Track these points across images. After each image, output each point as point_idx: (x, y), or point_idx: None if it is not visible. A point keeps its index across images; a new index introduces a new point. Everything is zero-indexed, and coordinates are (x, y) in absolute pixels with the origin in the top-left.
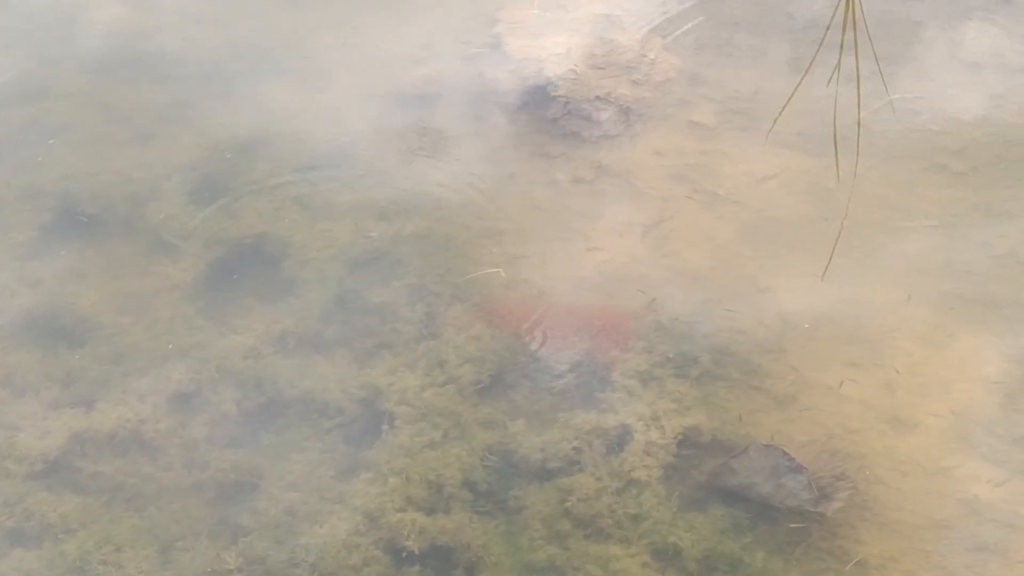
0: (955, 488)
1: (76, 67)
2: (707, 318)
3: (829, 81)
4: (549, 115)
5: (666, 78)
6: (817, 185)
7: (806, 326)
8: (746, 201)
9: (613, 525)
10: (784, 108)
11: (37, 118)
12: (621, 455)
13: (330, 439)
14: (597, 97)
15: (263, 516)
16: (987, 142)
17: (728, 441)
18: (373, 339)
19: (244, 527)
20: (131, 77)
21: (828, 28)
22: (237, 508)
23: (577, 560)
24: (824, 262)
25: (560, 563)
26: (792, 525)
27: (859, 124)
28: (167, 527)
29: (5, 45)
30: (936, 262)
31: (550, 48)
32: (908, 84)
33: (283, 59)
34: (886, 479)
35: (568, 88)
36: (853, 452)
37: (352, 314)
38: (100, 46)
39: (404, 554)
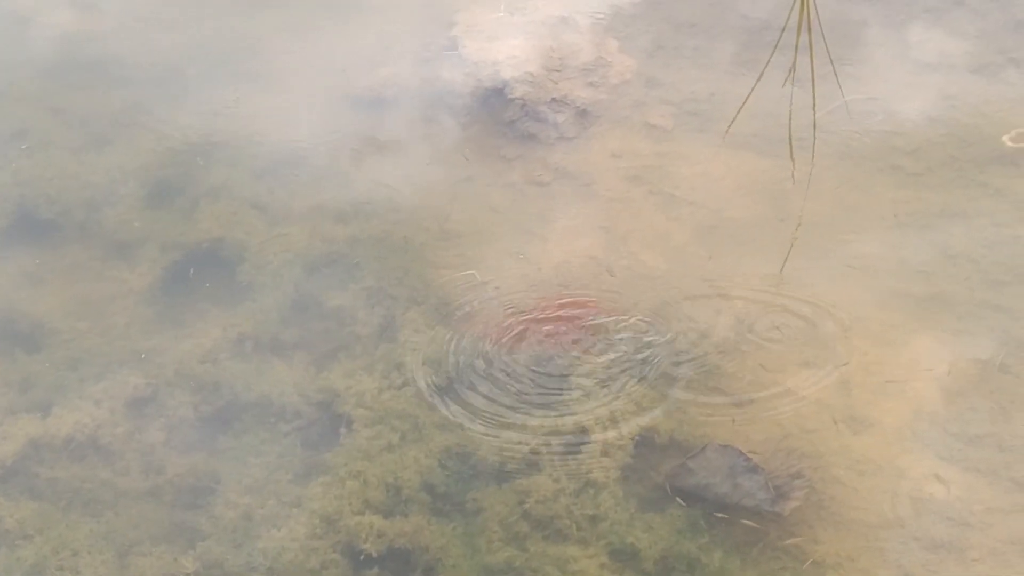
0: (910, 487)
1: (30, 72)
2: (664, 319)
3: (784, 82)
4: (506, 117)
5: (622, 80)
6: (773, 186)
7: (769, 326)
8: (702, 202)
9: (571, 526)
10: (740, 110)
11: None
12: (579, 456)
13: (288, 442)
14: (554, 99)
15: (220, 520)
16: (941, 142)
17: (685, 442)
18: (331, 342)
19: (201, 531)
20: (86, 81)
21: (783, 30)
22: (194, 512)
23: (535, 561)
24: (780, 262)
25: (518, 564)
26: (749, 524)
27: (814, 125)
28: (124, 532)
29: None
30: (891, 262)
31: (507, 51)
32: (862, 85)
33: (239, 63)
34: (842, 478)
35: (525, 90)
36: (809, 451)
37: (310, 318)
38: (54, 50)
39: (362, 557)
